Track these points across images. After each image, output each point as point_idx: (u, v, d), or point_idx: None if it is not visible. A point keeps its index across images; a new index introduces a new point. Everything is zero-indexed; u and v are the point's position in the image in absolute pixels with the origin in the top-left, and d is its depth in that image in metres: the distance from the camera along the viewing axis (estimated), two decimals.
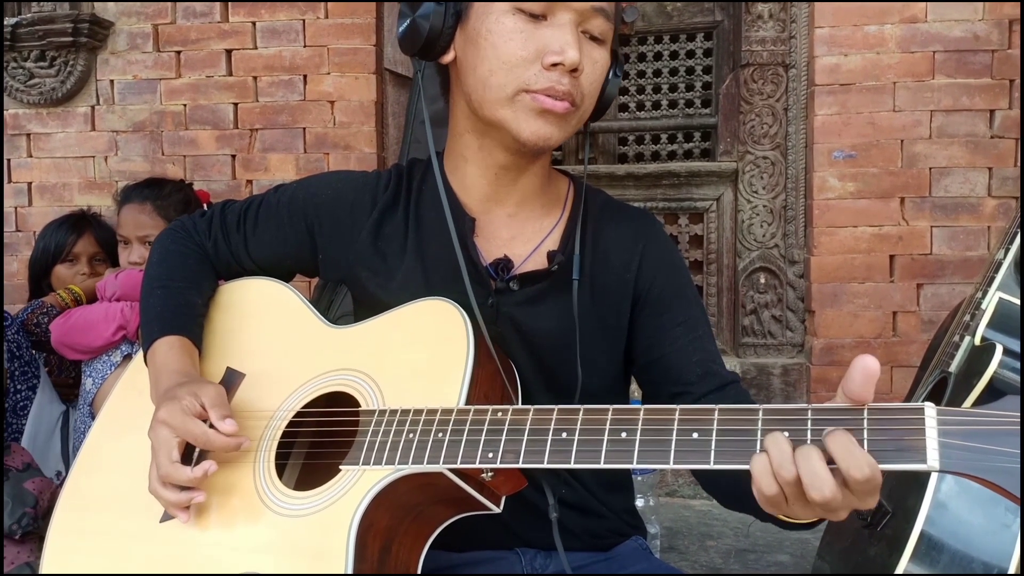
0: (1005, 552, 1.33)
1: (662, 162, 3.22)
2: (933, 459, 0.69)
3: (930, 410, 0.71)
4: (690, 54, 3.23)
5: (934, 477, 1.38)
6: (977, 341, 1.53)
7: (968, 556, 1.34)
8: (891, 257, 2.84)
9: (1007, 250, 1.58)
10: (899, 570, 1.38)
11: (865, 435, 0.73)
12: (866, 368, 0.74)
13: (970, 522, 1.36)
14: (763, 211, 3.01)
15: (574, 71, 1.01)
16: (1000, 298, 1.55)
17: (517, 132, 1.04)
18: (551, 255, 1.13)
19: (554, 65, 1.00)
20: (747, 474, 0.77)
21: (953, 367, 1.57)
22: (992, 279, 1.57)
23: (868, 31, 2.82)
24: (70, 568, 1.03)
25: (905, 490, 1.48)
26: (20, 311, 2.25)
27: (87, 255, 2.44)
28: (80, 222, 2.48)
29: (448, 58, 1.10)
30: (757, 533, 2.55)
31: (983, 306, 1.55)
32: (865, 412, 0.74)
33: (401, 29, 1.10)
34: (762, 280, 3.02)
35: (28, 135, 3.35)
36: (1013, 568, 1.33)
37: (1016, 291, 1.56)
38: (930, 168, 2.81)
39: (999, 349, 1.43)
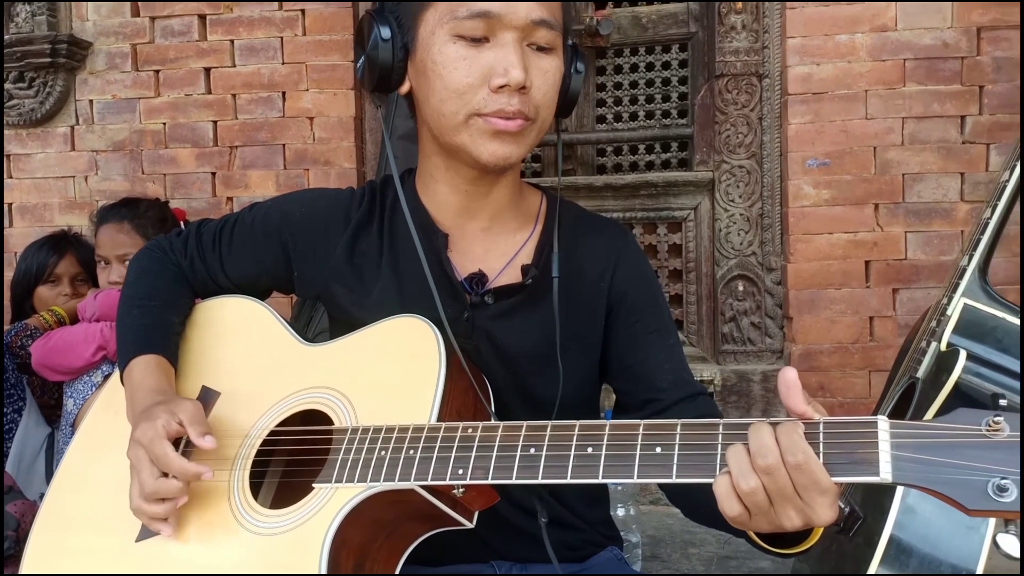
0: (972, 555, 1.35)
1: (640, 172, 3.25)
2: (886, 471, 0.72)
3: (883, 423, 0.73)
4: (665, 65, 3.26)
5: None
6: (943, 347, 1.55)
7: (936, 559, 1.37)
8: (867, 263, 2.88)
9: (971, 256, 1.61)
10: (870, 571, 1.40)
11: (821, 448, 0.75)
12: (785, 381, 0.78)
13: (938, 526, 1.38)
14: (740, 219, 3.04)
15: (522, 89, 1.02)
16: (965, 304, 1.57)
17: (476, 155, 1.06)
18: (525, 269, 1.15)
19: (501, 87, 1.01)
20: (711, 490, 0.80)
21: (921, 373, 1.59)
22: (957, 285, 1.60)
23: (839, 40, 2.86)
24: None
25: (876, 495, 1.50)
26: (4, 333, 2.25)
27: (69, 276, 2.44)
28: (61, 243, 2.48)
29: (405, 89, 1.12)
30: (739, 540, 2.57)
31: (948, 312, 1.58)
32: (821, 426, 0.76)
33: (359, 65, 1.13)
34: (740, 288, 3.05)
35: (8, 156, 3.35)
36: (980, 570, 1.35)
37: (980, 296, 1.58)
38: (903, 174, 2.85)
39: (963, 355, 1.46)
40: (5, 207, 3.37)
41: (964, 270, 1.59)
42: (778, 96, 2.98)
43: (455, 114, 1.04)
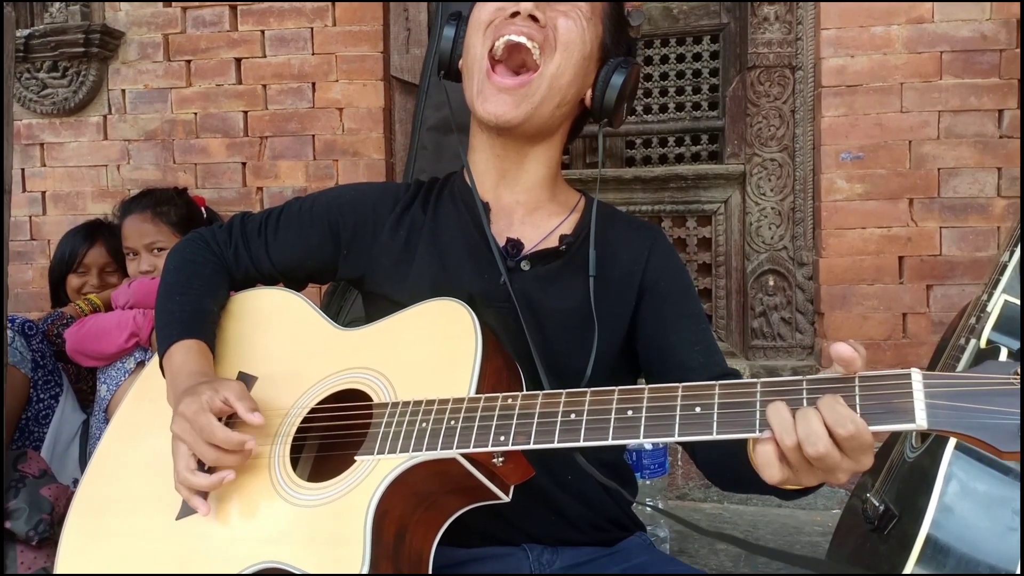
0: (1011, 555, 1.33)
1: (669, 165, 3.22)
2: (921, 419, 0.74)
3: (916, 374, 0.77)
4: (696, 57, 3.23)
5: (939, 482, 1.38)
6: (983, 344, 1.53)
7: (974, 559, 1.34)
8: (900, 258, 2.84)
9: (1012, 252, 1.58)
10: (906, 571, 1.38)
11: (857, 400, 0.78)
12: (839, 357, 0.79)
13: (976, 525, 1.36)
14: (771, 213, 3.01)
15: (535, 20, 1.12)
16: (1005, 300, 1.54)
17: (473, 107, 1.17)
18: (562, 238, 1.21)
19: (513, 15, 1.13)
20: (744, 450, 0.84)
21: (959, 370, 1.57)
22: (997, 281, 1.57)
23: (875, 32, 2.82)
24: (86, 569, 1.05)
25: (911, 493, 1.48)
26: (40, 320, 2.27)
27: (97, 266, 2.45)
28: (93, 232, 2.50)
29: (464, 57, 1.22)
30: (768, 536, 2.55)
31: (988, 309, 1.55)
32: (856, 379, 0.79)
33: (435, 55, 1.28)
34: (771, 282, 3.02)
35: (41, 144, 3.39)
36: (1020, 570, 1.33)
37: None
38: (938, 169, 2.81)
39: (1004, 352, 1.43)
40: (39, 195, 3.41)
41: (1005, 266, 1.56)
42: (811, 88, 2.94)
43: (475, 47, 1.16)
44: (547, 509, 1.16)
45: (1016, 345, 1.49)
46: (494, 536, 1.16)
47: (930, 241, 2.82)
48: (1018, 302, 1.54)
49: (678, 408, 0.85)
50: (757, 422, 0.81)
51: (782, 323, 3.03)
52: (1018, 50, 2.75)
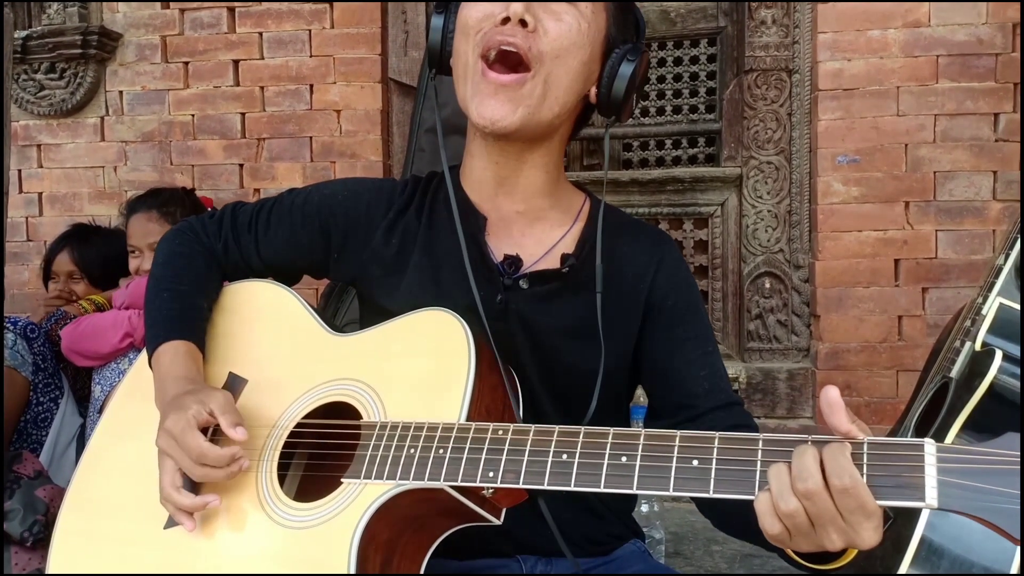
0: (1005, 557, 1.33)
1: (667, 168, 3.23)
2: (932, 497, 0.70)
3: (930, 447, 0.71)
4: (694, 60, 3.24)
5: None
6: (978, 347, 1.53)
7: (968, 561, 1.35)
8: (896, 261, 2.84)
9: (1007, 255, 1.58)
10: (900, 571, 1.38)
11: (865, 470, 0.73)
12: (828, 400, 0.76)
13: (970, 527, 1.36)
14: (768, 216, 3.02)
15: (525, 25, 1.04)
16: (1000, 303, 1.55)
17: (470, 115, 1.09)
18: (564, 257, 1.14)
19: (504, 20, 1.05)
20: (747, 504, 0.79)
21: (954, 372, 1.57)
22: (992, 284, 1.58)
23: (871, 36, 2.83)
24: (75, 571, 1.04)
25: None
26: (43, 320, 2.27)
27: (64, 273, 2.49)
28: (67, 238, 2.53)
29: (453, 60, 1.14)
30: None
31: (984, 312, 1.56)
32: (865, 446, 0.74)
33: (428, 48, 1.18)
34: (767, 285, 3.03)
35: (39, 146, 3.39)
36: (1014, 571, 1.33)
37: (1016, 296, 1.56)
38: (934, 172, 2.81)
39: (999, 355, 1.43)
40: (35, 197, 3.41)
41: (1000, 269, 1.57)
42: (808, 92, 2.95)
43: (466, 55, 1.08)
44: (542, 523, 1.14)
45: (1011, 348, 1.49)
46: (486, 548, 1.14)
47: (926, 244, 2.83)
48: (1012, 305, 1.54)
49: (674, 460, 0.81)
50: (756, 482, 0.77)
51: (778, 325, 3.03)
52: (1014, 54, 2.76)
